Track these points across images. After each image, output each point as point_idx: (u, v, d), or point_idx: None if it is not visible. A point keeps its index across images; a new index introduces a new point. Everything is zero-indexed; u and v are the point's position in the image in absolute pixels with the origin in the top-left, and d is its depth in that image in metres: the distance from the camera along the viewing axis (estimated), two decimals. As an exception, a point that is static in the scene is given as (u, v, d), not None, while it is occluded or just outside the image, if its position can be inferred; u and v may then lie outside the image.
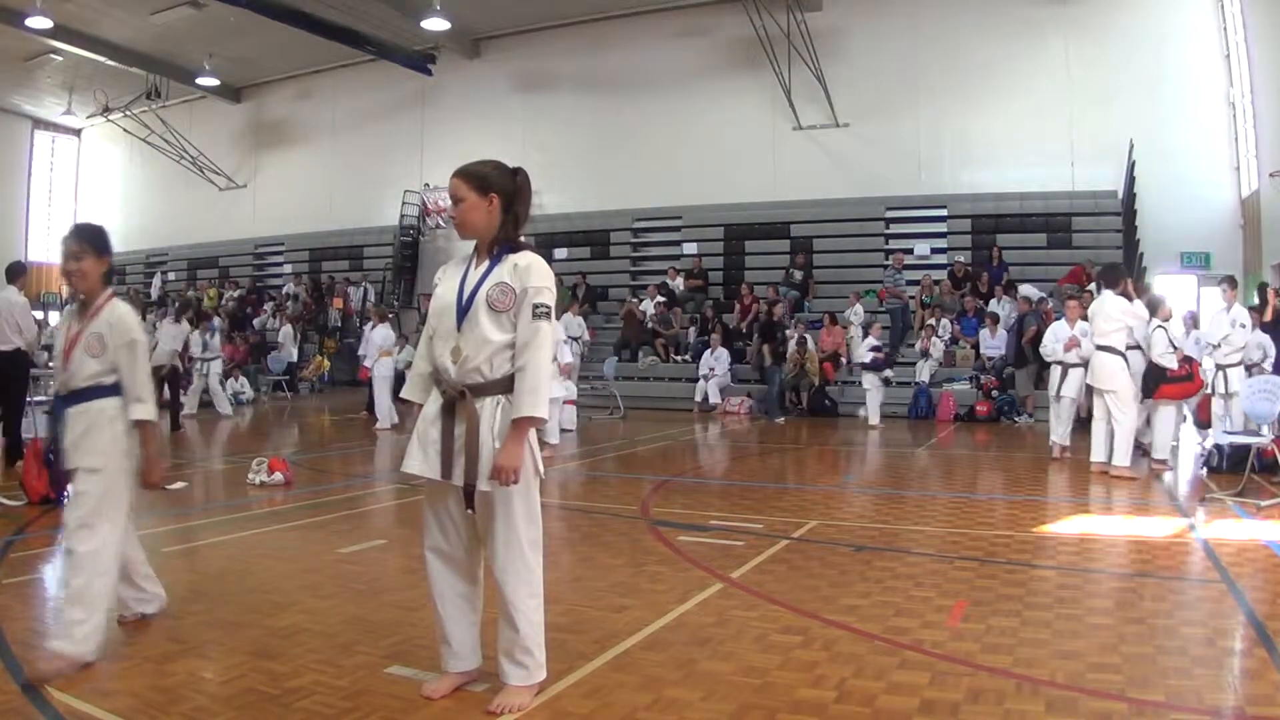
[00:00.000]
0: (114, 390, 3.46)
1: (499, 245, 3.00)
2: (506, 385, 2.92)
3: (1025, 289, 14.28)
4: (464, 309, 2.94)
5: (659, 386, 16.19)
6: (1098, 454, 8.19)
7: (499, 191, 2.99)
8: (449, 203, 3.06)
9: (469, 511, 2.96)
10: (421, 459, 2.99)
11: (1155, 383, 8.18)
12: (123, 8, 18.74)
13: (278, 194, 23.70)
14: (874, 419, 12.88)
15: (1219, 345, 8.87)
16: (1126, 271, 9.27)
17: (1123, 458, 7.95)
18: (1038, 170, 16.27)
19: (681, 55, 18.92)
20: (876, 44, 17.32)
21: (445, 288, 3.03)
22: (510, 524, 2.95)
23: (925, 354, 14.48)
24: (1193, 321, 9.74)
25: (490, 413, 2.92)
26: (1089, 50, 15.96)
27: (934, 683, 3.14)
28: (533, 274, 2.92)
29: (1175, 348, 8.37)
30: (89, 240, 3.52)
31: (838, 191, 17.66)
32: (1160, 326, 8.25)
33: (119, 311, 3.48)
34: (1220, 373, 8.85)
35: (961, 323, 15.17)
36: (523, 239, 3.06)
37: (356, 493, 7.58)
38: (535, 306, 2.89)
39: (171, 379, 12.39)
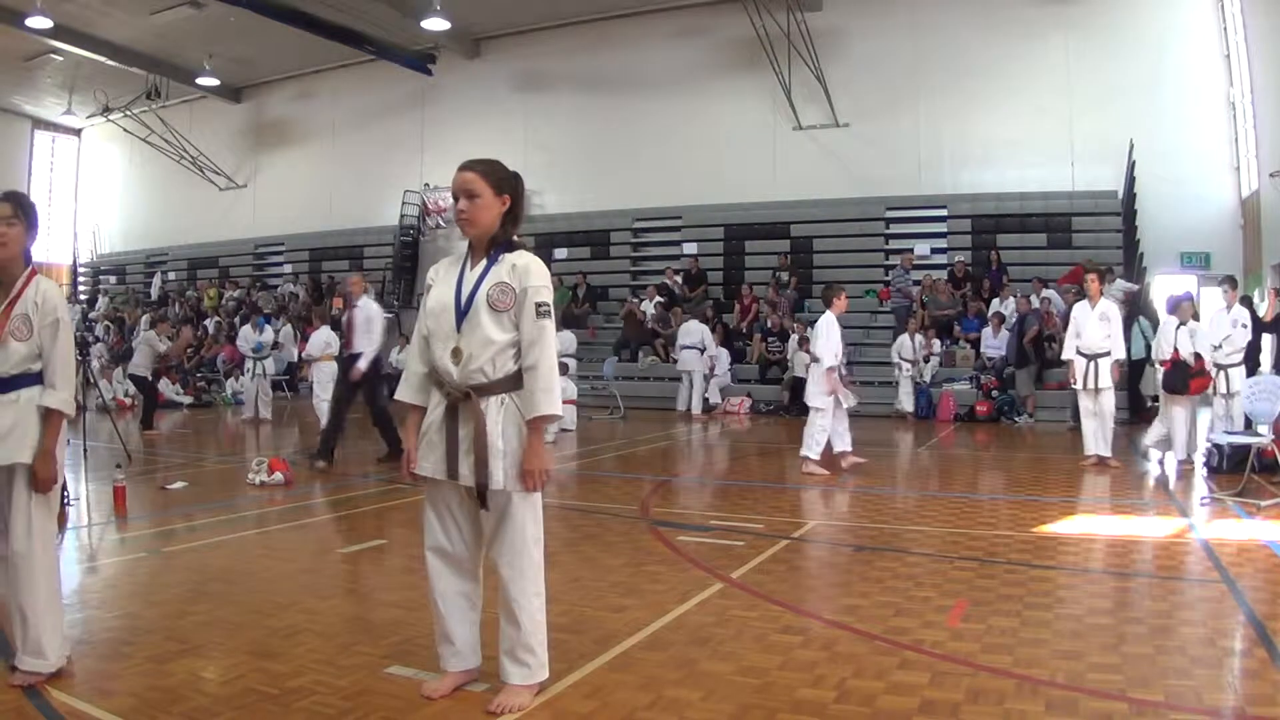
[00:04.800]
0: (44, 378, 3.19)
1: (496, 245, 3.00)
2: (509, 384, 2.94)
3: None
4: (463, 310, 2.94)
5: (659, 386, 16.18)
6: (1098, 448, 8.48)
7: (510, 192, 3.01)
8: (449, 200, 3.06)
9: (483, 511, 2.97)
10: (432, 460, 3.00)
11: (1185, 379, 8.39)
12: (123, 8, 18.72)
13: (278, 194, 23.69)
14: None
15: (1220, 346, 8.87)
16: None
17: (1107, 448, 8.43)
18: (1038, 170, 16.27)
19: (681, 55, 18.91)
20: (876, 44, 17.31)
21: (442, 288, 3.02)
22: (518, 522, 2.96)
23: (927, 358, 14.47)
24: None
25: (495, 412, 2.93)
26: (1089, 50, 15.95)
27: (934, 683, 3.14)
28: (532, 274, 2.94)
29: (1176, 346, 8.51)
30: (24, 208, 3.22)
31: (838, 191, 17.64)
32: (1182, 324, 8.51)
33: (43, 288, 3.19)
34: (1221, 372, 8.85)
35: (962, 323, 15.17)
36: (517, 238, 3.07)
37: (356, 493, 7.58)
38: (538, 305, 2.91)
39: (142, 384, 12.73)
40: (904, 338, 14.30)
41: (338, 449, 8.81)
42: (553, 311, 2.96)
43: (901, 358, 14.12)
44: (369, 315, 8.71)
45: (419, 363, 3.08)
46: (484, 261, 2.99)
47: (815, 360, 8.23)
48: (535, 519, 3.01)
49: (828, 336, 8.10)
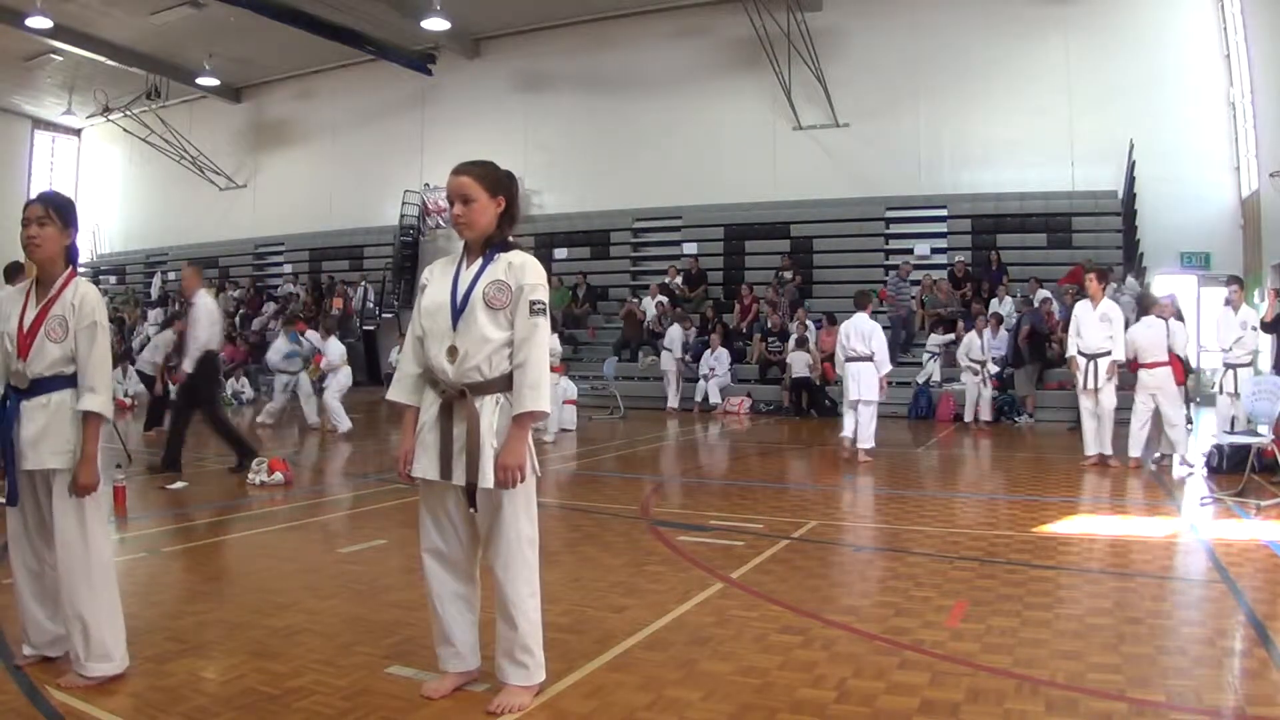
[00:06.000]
0: (78, 381, 3.15)
1: (492, 245, 3.00)
2: (504, 383, 2.93)
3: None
4: (459, 308, 2.94)
5: (659, 386, 16.18)
6: (1100, 448, 8.54)
7: (505, 193, 3.01)
8: (447, 201, 3.05)
9: (472, 511, 2.96)
10: (425, 461, 2.99)
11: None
12: (123, 8, 18.74)
13: (278, 194, 23.70)
14: None
15: (1230, 348, 8.88)
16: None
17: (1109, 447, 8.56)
18: (1038, 170, 16.28)
19: (681, 55, 18.93)
20: (876, 44, 17.32)
21: (437, 288, 3.02)
22: (511, 522, 2.95)
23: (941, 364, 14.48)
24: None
25: (490, 411, 2.92)
26: (1089, 50, 15.96)
27: (934, 683, 3.14)
28: (528, 272, 2.94)
29: None
30: (56, 207, 3.16)
31: (838, 191, 17.66)
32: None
33: (82, 290, 3.15)
34: (1230, 372, 8.86)
35: (966, 323, 15.15)
36: (511, 238, 3.07)
37: (356, 493, 7.58)
38: (532, 304, 2.91)
39: (150, 383, 12.00)
40: (971, 336, 13.27)
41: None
42: (547, 310, 2.96)
43: (971, 359, 13.06)
44: (196, 314, 7.89)
45: (413, 363, 3.08)
46: (479, 261, 2.99)
47: (864, 359, 8.98)
48: (529, 519, 3.00)
49: (883, 341, 9.11)
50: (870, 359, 8.95)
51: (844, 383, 9.31)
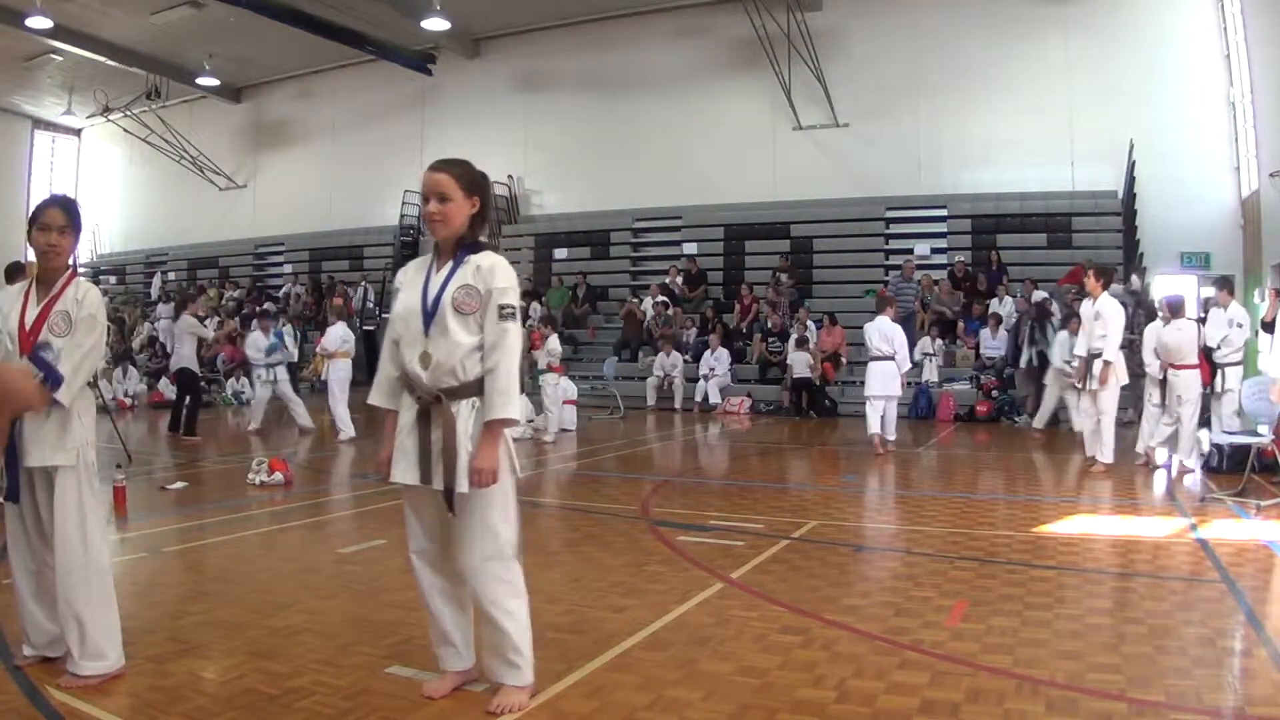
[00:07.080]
0: None
1: (463, 246, 2.98)
2: (479, 387, 2.92)
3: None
4: (430, 314, 2.92)
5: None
6: (1092, 450, 8.45)
7: (480, 194, 3.01)
8: (422, 198, 3.02)
9: (450, 515, 2.96)
10: (404, 465, 2.98)
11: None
12: (123, 8, 18.75)
13: (278, 194, 23.71)
14: None
15: (1218, 346, 8.86)
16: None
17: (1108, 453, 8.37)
18: (1038, 170, 16.28)
19: (682, 55, 18.93)
20: (876, 44, 17.33)
21: (409, 293, 3.00)
22: (488, 525, 2.94)
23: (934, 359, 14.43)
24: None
25: (465, 416, 2.91)
26: (1089, 50, 15.96)
27: (934, 683, 3.14)
28: (496, 275, 2.92)
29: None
30: (73, 216, 3.21)
31: (838, 191, 17.66)
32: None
33: (84, 288, 3.20)
34: (1219, 372, 8.83)
35: (967, 324, 15.15)
36: (482, 239, 3.06)
37: (356, 493, 7.58)
38: (501, 307, 2.89)
39: (191, 382, 11.32)
40: (1063, 335, 11.00)
41: None
42: (518, 314, 2.95)
43: (1067, 359, 10.31)
44: None
45: (391, 366, 3.07)
46: (449, 264, 2.97)
47: (888, 358, 9.67)
48: (505, 521, 2.97)
49: (904, 341, 9.91)
50: (892, 358, 9.67)
51: (866, 379, 9.95)
